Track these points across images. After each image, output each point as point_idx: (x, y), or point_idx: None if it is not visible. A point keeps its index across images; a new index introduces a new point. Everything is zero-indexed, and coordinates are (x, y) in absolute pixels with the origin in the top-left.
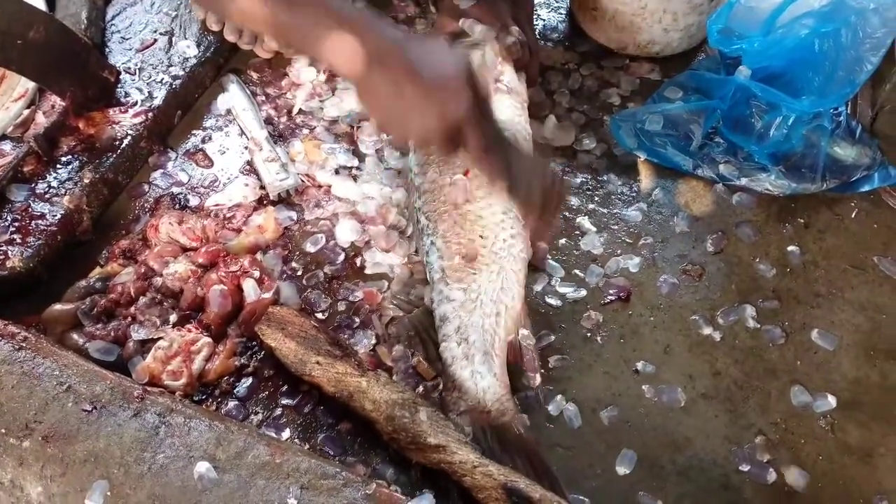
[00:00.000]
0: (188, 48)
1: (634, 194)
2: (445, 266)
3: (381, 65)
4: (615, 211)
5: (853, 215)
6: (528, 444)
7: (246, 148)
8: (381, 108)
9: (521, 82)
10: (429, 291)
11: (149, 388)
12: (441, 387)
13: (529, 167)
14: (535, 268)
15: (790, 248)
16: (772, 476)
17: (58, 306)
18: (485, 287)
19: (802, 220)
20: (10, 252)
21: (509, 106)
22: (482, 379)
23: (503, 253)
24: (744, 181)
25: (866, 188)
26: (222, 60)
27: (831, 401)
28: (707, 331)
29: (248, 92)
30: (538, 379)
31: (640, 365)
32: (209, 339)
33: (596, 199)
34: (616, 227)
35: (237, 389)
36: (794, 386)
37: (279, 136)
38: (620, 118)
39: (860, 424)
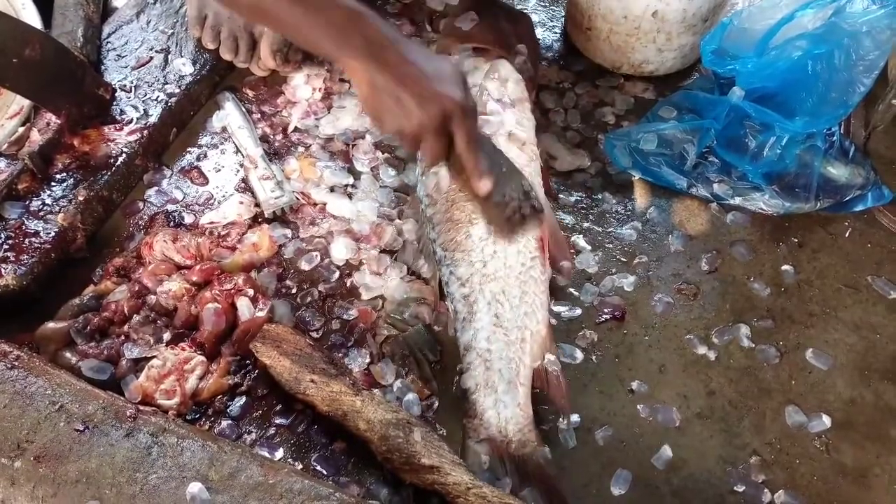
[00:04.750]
0: (184, 66)
1: (629, 213)
2: (467, 295)
3: (380, 55)
4: (610, 229)
5: (847, 235)
6: (548, 478)
7: (241, 166)
8: (376, 98)
9: (528, 103)
10: (451, 322)
11: (142, 408)
12: (434, 405)
13: (511, 177)
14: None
15: (784, 267)
16: (766, 496)
17: (51, 324)
18: (508, 314)
19: (796, 240)
20: (3, 270)
21: (516, 124)
22: (505, 409)
23: (524, 277)
24: (738, 200)
25: (860, 208)
26: (218, 78)
27: (826, 421)
28: (702, 350)
29: (244, 110)
30: (568, 408)
31: (634, 384)
32: (203, 358)
33: (591, 217)
34: (611, 245)
35: (230, 409)
36: (789, 406)
37: (274, 154)
38: (615, 137)
39: (855, 444)
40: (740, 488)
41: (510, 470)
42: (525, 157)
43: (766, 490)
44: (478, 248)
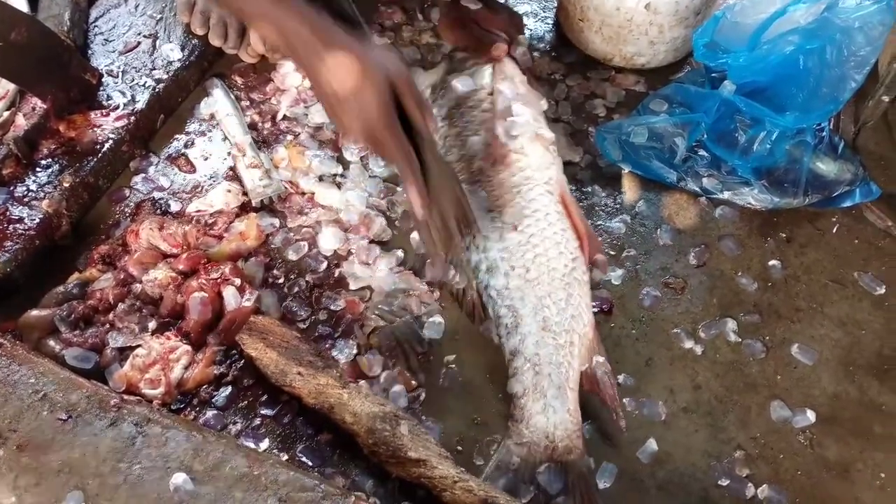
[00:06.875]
0: (172, 51)
1: (618, 206)
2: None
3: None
4: (599, 222)
5: (834, 230)
6: (589, 488)
7: (229, 153)
8: (327, 101)
9: (542, 100)
10: (493, 325)
11: (126, 397)
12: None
13: (444, 185)
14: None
15: (772, 262)
16: (750, 490)
17: (34, 312)
18: (555, 317)
19: (784, 235)
20: None
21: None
22: (554, 413)
23: (568, 279)
24: (727, 195)
25: (848, 204)
26: (206, 64)
27: (810, 416)
28: (688, 344)
29: (233, 97)
30: (620, 413)
31: (621, 378)
32: (188, 347)
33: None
34: (599, 238)
35: (216, 399)
36: (774, 401)
37: (263, 142)
38: (605, 130)
39: (838, 440)
40: (725, 482)
41: (552, 476)
42: (550, 157)
43: (750, 484)
44: (518, 252)
